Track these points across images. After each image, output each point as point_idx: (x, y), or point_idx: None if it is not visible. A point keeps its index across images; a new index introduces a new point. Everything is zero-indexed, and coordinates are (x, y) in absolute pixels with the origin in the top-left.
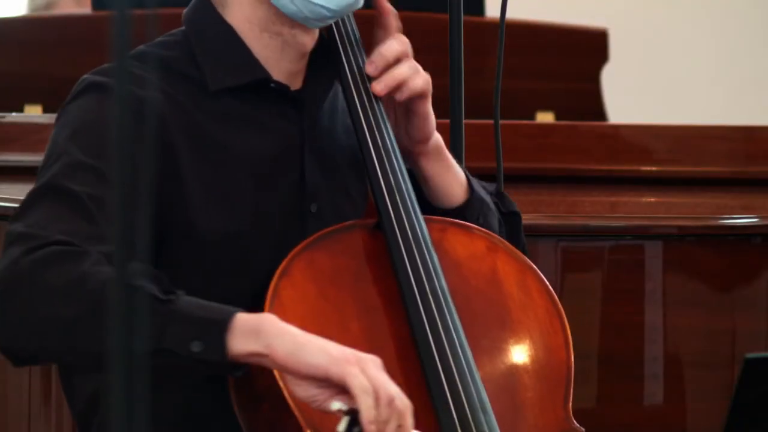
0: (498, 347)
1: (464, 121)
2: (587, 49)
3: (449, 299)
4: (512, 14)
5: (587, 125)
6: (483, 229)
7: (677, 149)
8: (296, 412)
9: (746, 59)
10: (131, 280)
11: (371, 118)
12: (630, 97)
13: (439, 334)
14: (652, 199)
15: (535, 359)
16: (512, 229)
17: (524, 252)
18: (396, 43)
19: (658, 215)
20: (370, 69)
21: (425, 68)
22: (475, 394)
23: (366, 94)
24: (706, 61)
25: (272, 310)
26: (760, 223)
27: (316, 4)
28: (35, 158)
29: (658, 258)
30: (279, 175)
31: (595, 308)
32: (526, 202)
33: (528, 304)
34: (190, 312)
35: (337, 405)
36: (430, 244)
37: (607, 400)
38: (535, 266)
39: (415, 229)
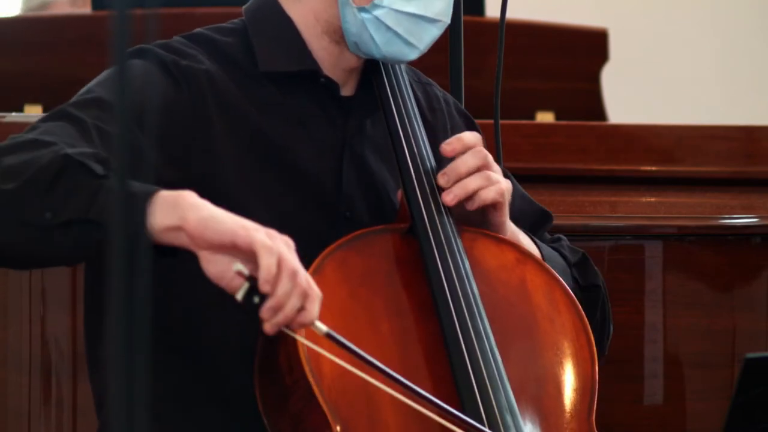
0: (525, 356)
1: None
2: (587, 49)
3: (480, 305)
4: (512, 14)
5: (587, 125)
6: (512, 240)
7: (677, 149)
8: (324, 406)
9: (746, 59)
10: (74, 155)
11: (407, 126)
12: (630, 97)
13: (470, 337)
14: (652, 199)
15: (561, 370)
16: (589, 303)
17: (606, 328)
18: (472, 158)
19: (658, 215)
20: (442, 180)
21: (425, 68)
22: (503, 397)
23: (404, 105)
24: (706, 61)
25: None
26: (760, 223)
27: (370, 39)
28: None
29: (658, 258)
30: (314, 177)
31: None
32: None
33: (555, 317)
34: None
35: (238, 266)
36: (462, 250)
37: (607, 400)
38: (562, 280)
39: (449, 234)
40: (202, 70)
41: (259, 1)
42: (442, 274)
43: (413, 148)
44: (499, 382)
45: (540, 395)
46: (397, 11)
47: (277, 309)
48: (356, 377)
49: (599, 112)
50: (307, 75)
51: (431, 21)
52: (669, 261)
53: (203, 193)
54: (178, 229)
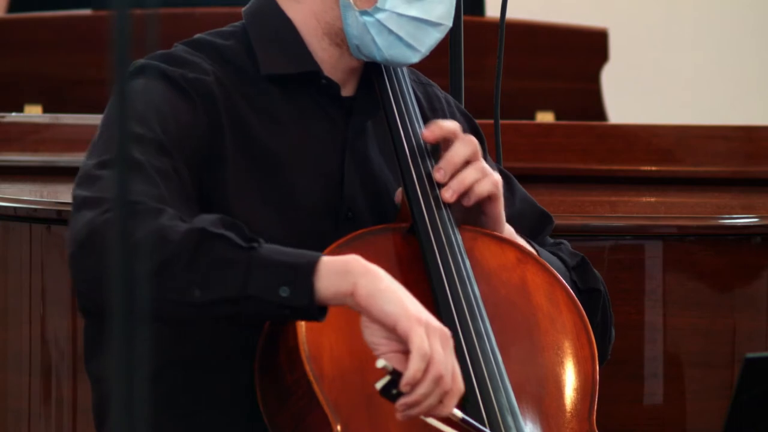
0: (526, 356)
1: None
2: (587, 49)
3: (482, 305)
4: (512, 14)
5: (587, 125)
6: (513, 240)
7: (677, 149)
8: (324, 405)
9: (746, 59)
10: (210, 228)
11: (408, 125)
12: (630, 97)
13: (471, 337)
14: (652, 199)
15: (561, 370)
16: (589, 306)
17: (608, 332)
18: (462, 147)
19: (658, 215)
20: (438, 176)
21: (425, 68)
22: (504, 397)
23: (404, 104)
24: (706, 61)
25: None
26: (760, 223)
27: (372, 42)
28: (35, 158)
29: (658, 258)
30: (316, 177)
31: None
32: None
33: (556, 317)
34: (274, 257)
35: (381, 363)
36: (463, 250)
37: (606, 400)
38: (563, 279)
39: (449, 234)
40: (210, 80)
41: (258, 3)
42: (443, 274)
43: (414, 147)
44: (499, 382)
45: (540, 395)
46: (399, 15)
47: (411, 406)
48: (357, 376)
49: (599, 112)
50: (308, 76)
51: (433, 25)
52: (669, 261)
53: (211, 198)
54: (347, 294)
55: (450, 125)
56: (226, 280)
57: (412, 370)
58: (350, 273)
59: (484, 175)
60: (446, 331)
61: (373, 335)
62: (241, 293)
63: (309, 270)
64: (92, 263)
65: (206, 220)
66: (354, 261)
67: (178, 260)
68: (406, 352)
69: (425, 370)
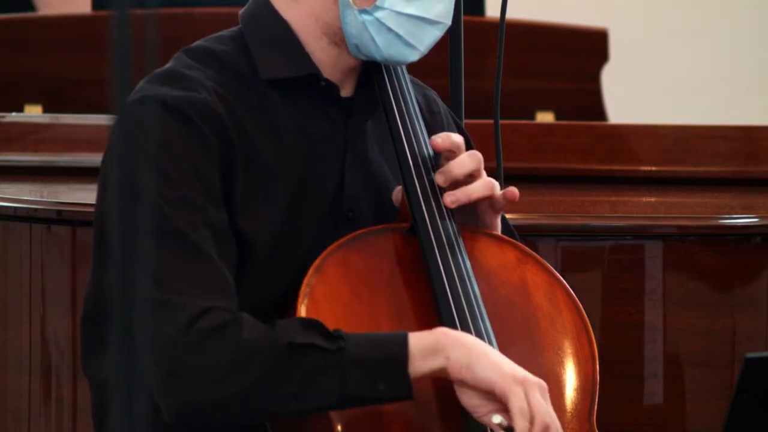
0: (525, 357)
1: (464, 121)
2: (587, 49)
3: (482, 305)
4: (512, 14)
5: (587, 125)
6: (513, 240)
7: (677, 149)
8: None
9: (746, 59)
10: (296, 339)
11: (408, 124)
12: (630, 97)
13: None
14: (652, 199)
15: (561, 370)
16: None
17: None
18: (468, 160)
19: (658, 215)
20: (440, 180)
21: (425, 68)
22: None
23: (405, 103)
24: (706, 61)
25: (305, 306)
26: (760, 223)
27: (371, 40)
28: (35, 158)
29: (658, 258)
30: (317, 179)
31: (595, 308)
32: (526, 202)
33: (556, 317)
34: (365, 354)
35: (498, 419)
36: (463, 250)
37: (606, 400)
38: (563, 279)
39: (450, 234)
40: (212, 99)
41: (254, 6)
42: (443, 274)
43: (414, 146)
44: None
45: None
46: (398, 13)
47: None
48: None
49: (599, 112)
50: (307, 79)
51: (432, 23)
52: (669, 261)
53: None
54: (441, 369)
55: (458, 140)
56: (322, 390)
57: (519, 428)
58: (441, 350)
59: (492, 191)
60: (543, 383)
61: (471, 399)
62: (339, 397)
63: (402, 362)
64: (180, 394)
65: (287, 329)
66: (442, 335)
67: (270, 380)
68: (506, 409)
69: (530, 427)
